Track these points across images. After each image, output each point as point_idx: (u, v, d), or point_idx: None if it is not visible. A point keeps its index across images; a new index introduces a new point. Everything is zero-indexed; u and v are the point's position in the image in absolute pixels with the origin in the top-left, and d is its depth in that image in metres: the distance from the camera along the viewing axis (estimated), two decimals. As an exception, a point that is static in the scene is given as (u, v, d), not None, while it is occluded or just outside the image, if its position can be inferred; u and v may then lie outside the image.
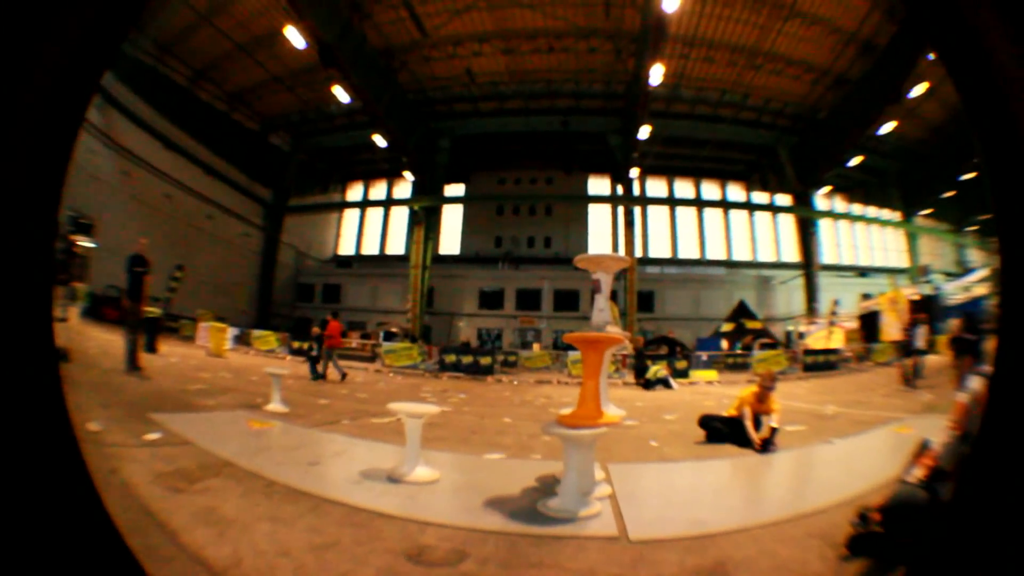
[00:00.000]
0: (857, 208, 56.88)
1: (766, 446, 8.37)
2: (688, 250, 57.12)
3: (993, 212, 2.52)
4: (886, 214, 54.02)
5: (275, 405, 9.88)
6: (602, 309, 5.52)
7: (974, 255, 51.14)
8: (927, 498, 4.05)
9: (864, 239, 59.32)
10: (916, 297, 39.46)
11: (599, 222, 56.50)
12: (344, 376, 19.04)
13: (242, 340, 27.75)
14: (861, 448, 8.78)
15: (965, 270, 43.32)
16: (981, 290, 33.50)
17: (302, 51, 32.94)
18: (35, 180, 2.22)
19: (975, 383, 4.07)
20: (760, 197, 55.71)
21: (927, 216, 53.26)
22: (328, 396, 13.17)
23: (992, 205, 2.53)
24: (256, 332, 29.39)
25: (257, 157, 46.08)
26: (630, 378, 25.92)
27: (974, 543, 2.74)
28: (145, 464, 5.11)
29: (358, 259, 59.81)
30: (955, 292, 36.41)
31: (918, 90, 36.11)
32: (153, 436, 6.28)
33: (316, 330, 21.04)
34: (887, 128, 41.15)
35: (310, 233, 55.89)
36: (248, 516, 4.08)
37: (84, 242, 23.09)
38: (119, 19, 2.47)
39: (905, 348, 15.06)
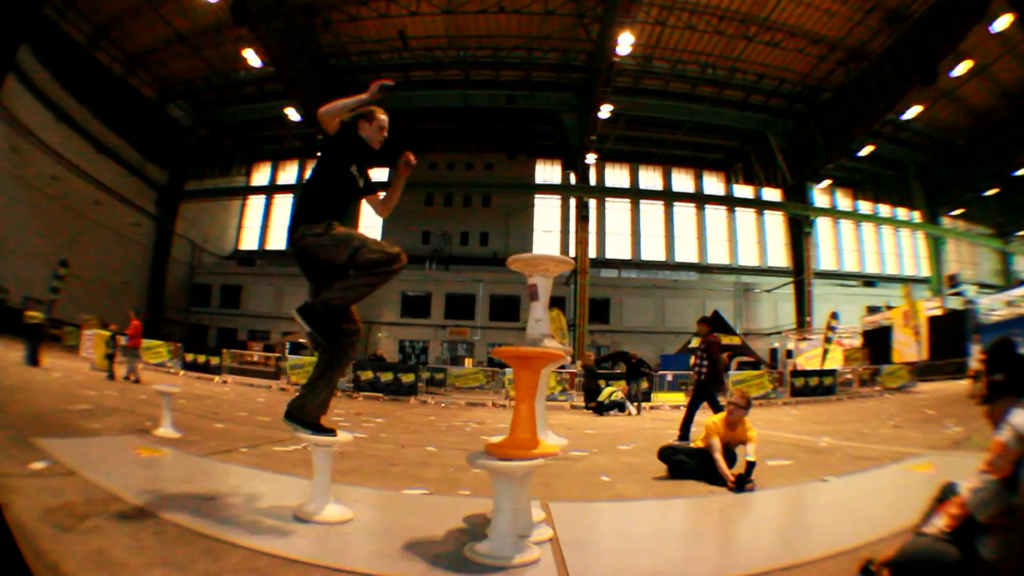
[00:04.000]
0: (866, 206, 57.41)
1: (741, 483, 8.15)
2: (653, 251, 57.32)
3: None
4: (903, 213, 54.36)
5: (166, 429, 9.93)
6: (539, 319, 5.45)
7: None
8: (956, 554, 3.84)
9: (873, 242, 59.72)
10: (940, 311, 39.91)
11: (547, 216, 56.50)
12: (137, 380, 20.51)
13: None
14: (864, 488, 8.57)
15: (1018, 281, 43.25)
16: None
17: (213, 4, 33.01)
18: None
19: (1022, 417, 3.86)
20: (743, 191, 56.13)
21: (957, 217, 53.46)
22: (225, 419, 13.19)
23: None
24: (145, 342, 29.23)
25: (153, 131, 45.40)
26: (580, 401, 26.13)
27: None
28: (33, 497, 5.16)
29: (262, 255, 59.11)
30: (996, 307, 36.32)
31: (960, 69, 36.42)
32: (39, 465, 6.34)
33: (114, 326, 23.08)
34: (912, 113, 41.52)
35: (208, 223, 55.11)
36: (139, 560, 4.10)
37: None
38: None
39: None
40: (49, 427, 9.15)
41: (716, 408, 13.80)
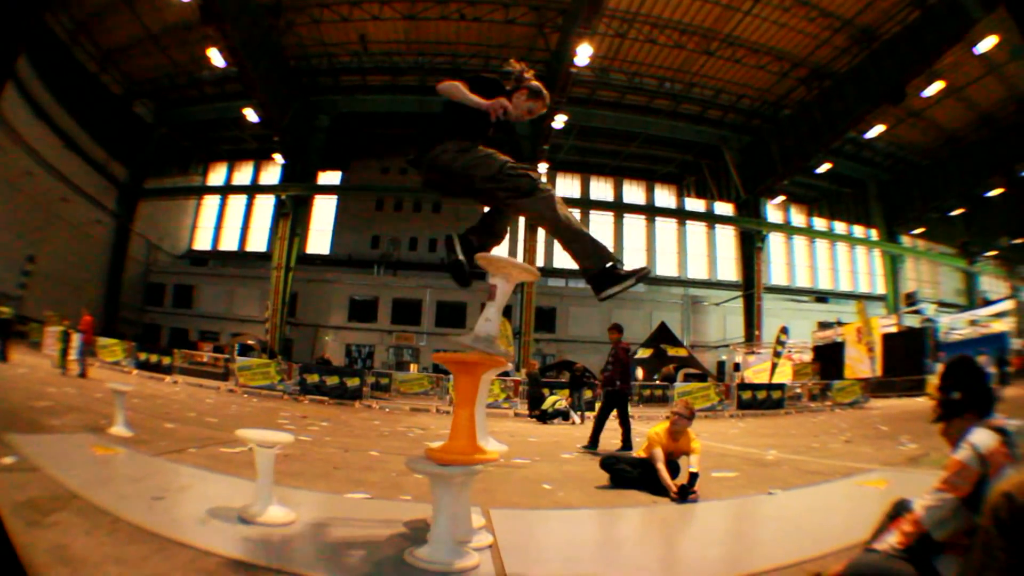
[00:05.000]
0: (820, 223, 57.79)
1: (684, 494, 7.99)
2: (600, 261, 56.87)
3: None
4: (859, 231, 54.80)
5: (119, 428, 10.02)
6: (489, 319, 5.38)
7: (990, 284, 51.99)
8: (910, 571, 3.77)
9: (827, 259, 60.15)
10: (896, 328, 40.25)
11: (496, 224, 55.93)
12: (83, 374, 21.03)
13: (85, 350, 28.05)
14: (812, 503, 8.41)
15: (984, 301, 43.55)
16: (1001, 325, 33.75)
17: (183, 4, 32.98)
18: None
19: (982, 436, 3.82)
20: (695, 204, 56.52)
21: (918, 235, 53.80)
22: (175, 420, 13.23)
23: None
24: (101, 340, 29.03)
25: (118, 128, 45.13)
26: (523, 409, 26.23)
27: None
28: (6, 492, 5.28)
29: (215, 255, 58.72)
30: (958, 326, 36.80)
31: (931, 90, 36.45)
32: (8, 460, 6.52)
33: (67, 322, 24.01)
34: (875, 132, 41.67)
35: (164, 222, 54.53)
36: (95, 556, 4.17)
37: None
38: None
39: None
40: (16, 423, 9.32)
41: (604, 409, 14.16)
